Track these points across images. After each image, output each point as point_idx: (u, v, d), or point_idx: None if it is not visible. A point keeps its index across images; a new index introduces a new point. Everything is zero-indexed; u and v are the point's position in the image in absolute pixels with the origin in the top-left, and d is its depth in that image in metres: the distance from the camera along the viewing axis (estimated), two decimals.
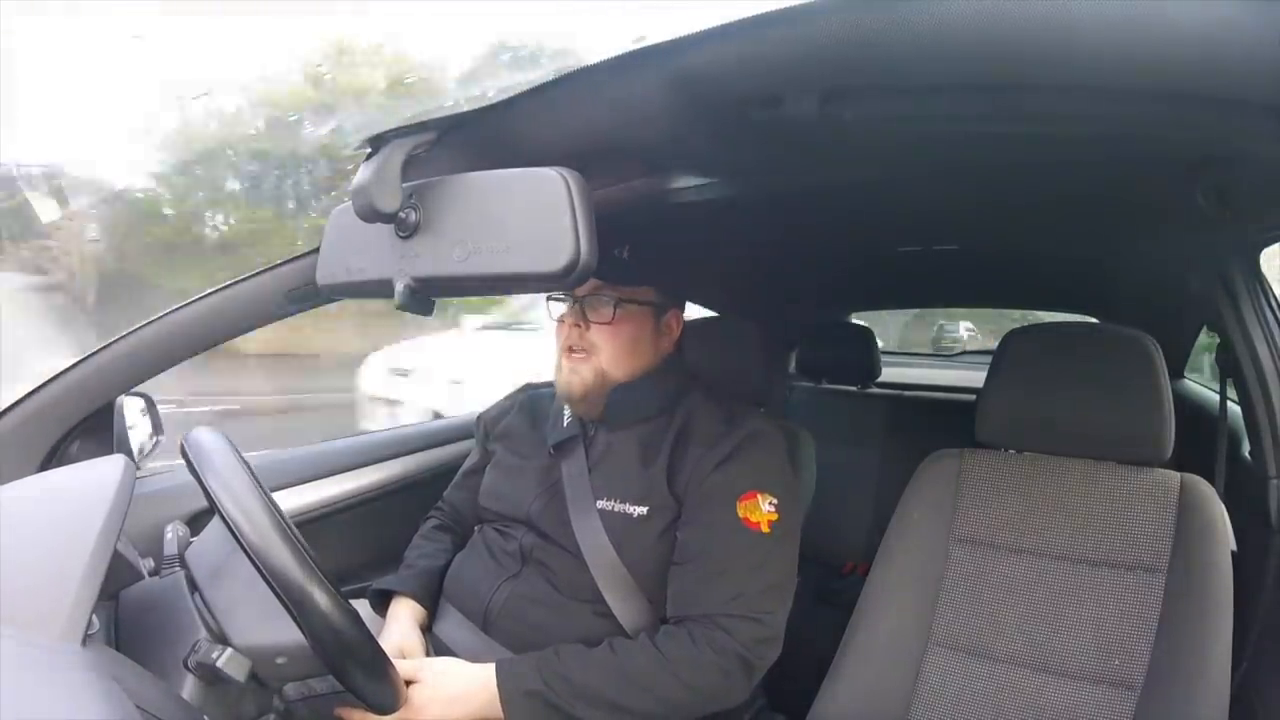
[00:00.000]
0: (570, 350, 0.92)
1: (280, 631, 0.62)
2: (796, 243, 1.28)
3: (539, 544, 0.90)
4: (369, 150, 0.57)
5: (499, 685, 0.77)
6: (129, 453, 0.95)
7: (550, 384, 1.03)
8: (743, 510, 0.85)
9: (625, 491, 0.89)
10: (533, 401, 1.06)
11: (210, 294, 0.93)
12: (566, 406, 0.97)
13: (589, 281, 0.90)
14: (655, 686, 0.78)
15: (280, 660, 0.65)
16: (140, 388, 0.97)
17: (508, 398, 1.11)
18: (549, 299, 0.96)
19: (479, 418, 1.11)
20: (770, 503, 0.86)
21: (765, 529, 0.85)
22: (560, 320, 0.94)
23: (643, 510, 0.87)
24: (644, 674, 0.78)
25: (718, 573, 0.83)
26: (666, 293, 0.96)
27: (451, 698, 0.77)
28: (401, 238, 0.56)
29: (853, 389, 2.00)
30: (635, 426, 0.93)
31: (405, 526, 1.09)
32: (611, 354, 0.92)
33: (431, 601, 0.96)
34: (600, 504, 0.89)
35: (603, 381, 0.92)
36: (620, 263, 0.89)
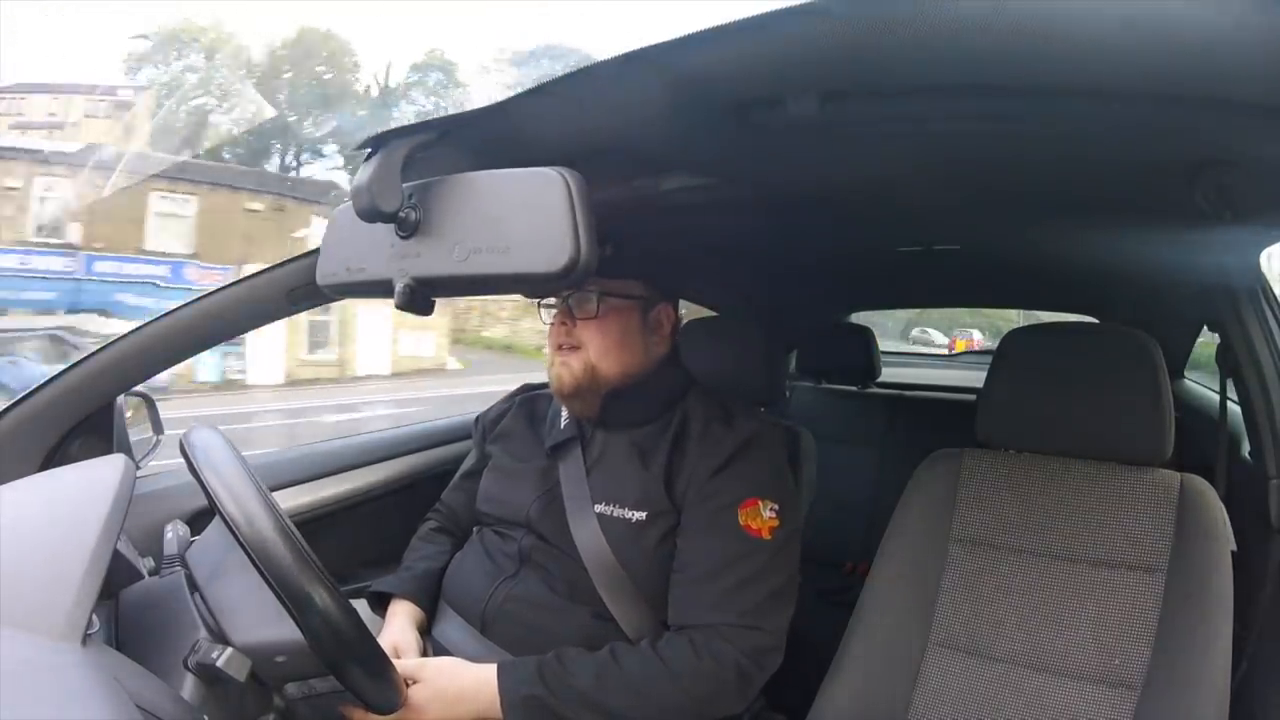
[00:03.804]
0: (559, 348, 0.92)
1: (280, 630, 0.62)
2: (797, 242, 1.28)
3: (537, 546, 0.90)
4: (369, 150, 0.57)
5: (500, 688, 0.77)
6: (129, 453, 0.95)
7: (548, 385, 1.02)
8: (744, 517, 0.85)
9: (623, 496, 0.88)
10: (531, 403, 1.06)
11: (210, 294, 0.93)
12: (563, 408, 0.97)
13: None
14: (656, 695, 0.78)
15: (280, 659, 0.65)
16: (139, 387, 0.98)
17: (506, 399, 1.11)
18: (540, 304, 0.95)
19: (477, 419, 1.11)
20: (771, 509, 0.86)
21: (766, 535, 0.84)
22: (550, 322, 0.94)
23: (641, 515, 0.87)
24: (645, 682, 0.78)
25: (719, 581, 0.83)
26: (654, 287, 0.95)
27: (453, 698, 0.77)
28: (401, 237, 0.56)
29: (853, 389, 2.00)
30: (633, 429, 0.93)
31: (405, 526, 1.09)
32: (600, 349, 0.91)
33: (429, 603, 0.95)
34: (598, 508, 0.88)
35: (593, 375, 0.91)
36: (603, 257, 0.89)
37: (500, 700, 0.76)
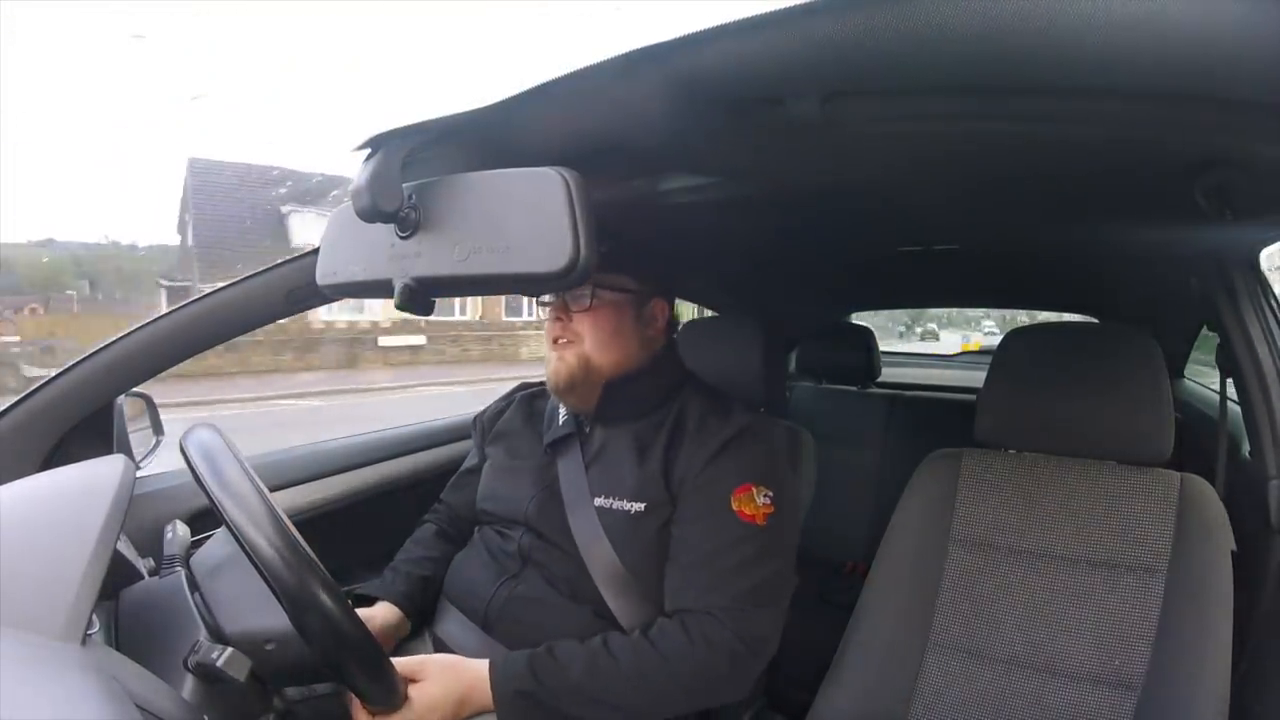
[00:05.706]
0: (555, 341, 0.93)
1: (268, 618, 0.62)
2: (796, 243, 1.28)
3: (537, 544, 0.90)
4: (369, 150, 0.57)
5: (492, 684, 0.77)
6: (129, 453, 0.95)
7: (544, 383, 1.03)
8: (737, 503, 0.85)
9: (622, 488, 0.89)
10: (528, 401, 1.07)
11: (211, 294, 0.93)
12: (561, 404, 0.97)
13: None
14: (649, 683, 0.78)
15: (270, 646, 0.65)
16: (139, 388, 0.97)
17: (504, 398, 1.11)
18: (539, 301, 0.97)
19: (475, 419, 1.11)
20: (766, 495, 0.86)
21: (760, 521, 0.85)
22: (547, 318, 0.95)
23: (639, 506, 0.87)
24: (638, 669, 0.78)
25: (712, 565, 0.83)
26: (646, 281, 0.96)
27: (457, 696, 0.76)
28: (401, 238, 0.57)
29: (853, 389, 2.00)
30: (630, 422, 0.93)
31: (405, 526, 1.09)
32: (594, 341, 0.92)
33: (414, 609, 0.95)
34: (597, 501, 0.89)
35: (588, 368, 0.92)
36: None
37: (492, 696, 0.76)
